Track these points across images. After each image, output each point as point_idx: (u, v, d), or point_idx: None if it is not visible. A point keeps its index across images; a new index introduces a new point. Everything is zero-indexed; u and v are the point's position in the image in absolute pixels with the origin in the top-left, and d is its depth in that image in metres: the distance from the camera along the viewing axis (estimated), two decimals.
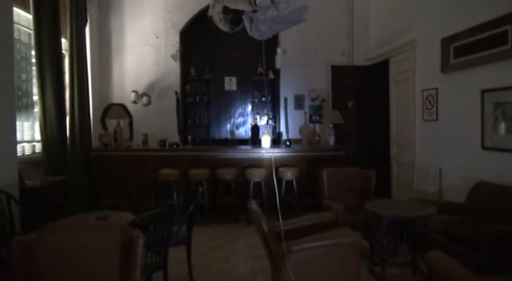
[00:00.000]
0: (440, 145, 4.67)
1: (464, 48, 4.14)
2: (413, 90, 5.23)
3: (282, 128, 7.03)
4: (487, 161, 3.86)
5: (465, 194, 3.85)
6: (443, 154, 4.60)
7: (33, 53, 4.76)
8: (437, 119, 4.72)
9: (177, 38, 6.92)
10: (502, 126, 3.64)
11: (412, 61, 5.30)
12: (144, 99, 6.75)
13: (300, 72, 6.96)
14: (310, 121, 6.96)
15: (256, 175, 5.44)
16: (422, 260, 2.46)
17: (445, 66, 4.48)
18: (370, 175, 4.65)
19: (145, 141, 6.20)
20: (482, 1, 3.88)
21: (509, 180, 3.48)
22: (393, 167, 5.99)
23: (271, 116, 7.35)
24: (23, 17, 4.75)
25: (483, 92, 3.87)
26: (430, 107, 4.85)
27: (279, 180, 5.44)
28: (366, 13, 6.86)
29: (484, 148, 3.89)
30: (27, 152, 4.82)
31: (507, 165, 3.59)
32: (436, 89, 4.70)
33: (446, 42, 4.45)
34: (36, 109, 4.90)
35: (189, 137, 6.85)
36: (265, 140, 6.07)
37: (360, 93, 6.92)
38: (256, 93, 7.52)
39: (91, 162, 5.77)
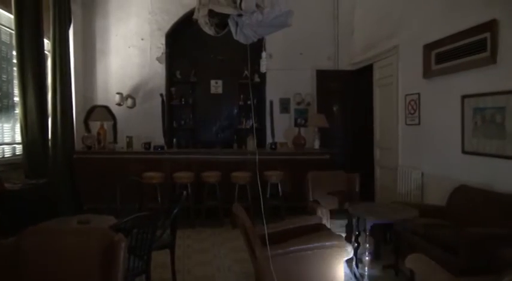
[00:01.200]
0: (422, 149, 4.75)
1: (445, 55, 4.24)
2: (397, 95, 5.32)
3: (268, 132, 7.05)
4: (467, 165, 3.94)
5: (446, 198, 3.93)
6: (425, 158, 4.68)
7: (14, 53, 4.67)
8: (419, 124, 4.81)
9: (162, 40, 6.88)
10: (481, 131, 3.73)
11: (395, 66, 5.39)
12: (129, 101, 6.68)
13: (286, 76, 7.00)
14: (296, 125, 7.00)
15: (242, 178, 5.45)
16: (405, 262, 2.50)
17: (427, 72, 4.57)
18: (354, 178, 4.71)
19: (129, 144, 6.13)
20: (463, 9, 3.98)
21: (488, 184, 3.57)
22: (377, 171, 6.07)
23: (256, 120, 7.37)
24: (4, 17, 4.66)
25: (463, 97, 3.96)
26: (412, 111, 4.94)
27: (264, 183, 5.45)
28: (351, 19, 6.95)
29: (464, 152, 3.98)
30: (7, 154, 4.72)
31: (486, 169, 3.68)
32: (419, 94, 4.79)
33: (428, 48, 4.54)
34: (17, 110, 4.80)
35: (174, 140, 6.81)
36: (251, 143, 6.09)
37: (345, 98, 6.99)
38: (242, 96, 7.54)
39: (73, 165, 5.68)
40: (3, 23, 4.64)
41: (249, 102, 7.44)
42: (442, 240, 3.30)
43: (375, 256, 3.93)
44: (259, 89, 7.32)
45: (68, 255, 2.06)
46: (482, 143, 3.71)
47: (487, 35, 3.59)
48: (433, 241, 3.39)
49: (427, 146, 4.65)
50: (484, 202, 3.42)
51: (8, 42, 4.76)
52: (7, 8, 4.59)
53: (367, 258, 3.36)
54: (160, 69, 6.90)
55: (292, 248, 2.66)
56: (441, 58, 4.32)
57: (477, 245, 2.86)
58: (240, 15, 2.30)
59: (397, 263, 3.58)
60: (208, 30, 2.46)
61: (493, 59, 3.54)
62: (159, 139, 6.61)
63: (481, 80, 3.74)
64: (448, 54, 4.17)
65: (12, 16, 4.55)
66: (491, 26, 3.53)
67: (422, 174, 4.69)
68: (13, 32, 4.60)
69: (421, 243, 3.50)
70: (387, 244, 4.22)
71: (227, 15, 2.35)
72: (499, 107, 3.51)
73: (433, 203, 4.25)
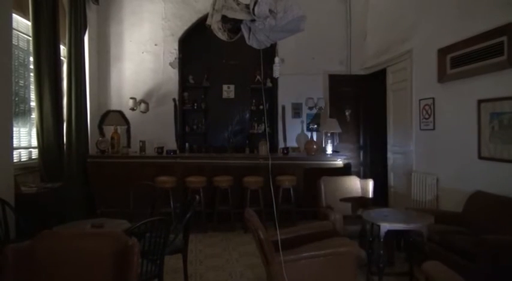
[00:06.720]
0: (437, 155, 4.68)
1: (460, 59, 4.18)
2: (411, 100, 5.26)
3: (280, 136, 7.04)
4: (483, 171, 3.86)
5: (462, 204, 3.85)
6: (440, 163, 4.61)
7: (31, 59, 4.76)
8: (434, 129, 4.74)
9: (175, 45, 6.95)
10: (498, 137, 3.66)
11: (409, 71, 5.33)
12: (142, 106, 6.75)
13: (298, 80, 6.98)
14: (308, 129, 6.97)
15: (254, 183, 5.44)
16: (420, 270, 2.45)
17: (442, 76, 4.51)
18: (367, 184, 4.66)
19: (142, 148, 6.19)
20: (479, 12, 3.93)
21: (506, 190, 3.48)
22: (390, 176, 5.99)
23: (268, 124, 7.36)
24: (21, 24, 4.76)
25: (480, 102, 3.89)
26: (427, 116, 4.87)
27: (277, 188, 5.43)
28: (363, 23, 6.91)
29: (480, 157, 3.90)
30: (24, 158, 4.80)
31: (503, 175, 3.59)
32: (433, 98, 4.73)
33: (443, 52, 4.48)
34: (34, 115, 4.89)
35: (187, 145, 6.85)
36: (263, 148, 6.08)
37: (358, 102, 6.94)
38: (254, 101, 7.55)
39: (88, 169, 5.75)
40: (21, 29, 4.75)
41: (261, 107, 7.44)
42: (459, 247, 3.23)
43: (389, 263, 3.86)
44: (271, 93, 7.32)
45: (81, 259, 2.07)
46: (500, 149, 3.64)
47: (504, 38, 3.53)
48: (449, 248, 3.33)
49: (442, 152, 4.58)
50: (501, 209, 3.35)
51: (26, 49, 4.86)
52: (25, 15, 4.69)
53: (380, 265, 3.31)
54: (173, 74, 6.96)
55: (305, 254, 2.64)
56: (456, 62, 4.25)
57: (497, 253, 2.79)
58: (253, 21, 2.30)
59: (411, 271, 3.51)
60: (221, 35, 2.47)
61: (510, 63, 3.47)
62: (171, 144, 6.66)
63: (497, 84, 3.67)
64: (464, 58, 4.11)
65: (29, 23, 4.65)
66: (508, 29, 3.47)
67: (438, 180, 4.61)
68: (30, 38, 4.70)
69: (437, 250, 3.44)
70: (401, 251, 4.15)
71: (240, 21, 2.36)
72: None
73: (448, 210, 4.17)
